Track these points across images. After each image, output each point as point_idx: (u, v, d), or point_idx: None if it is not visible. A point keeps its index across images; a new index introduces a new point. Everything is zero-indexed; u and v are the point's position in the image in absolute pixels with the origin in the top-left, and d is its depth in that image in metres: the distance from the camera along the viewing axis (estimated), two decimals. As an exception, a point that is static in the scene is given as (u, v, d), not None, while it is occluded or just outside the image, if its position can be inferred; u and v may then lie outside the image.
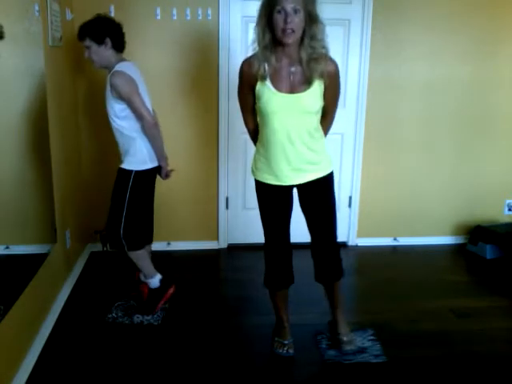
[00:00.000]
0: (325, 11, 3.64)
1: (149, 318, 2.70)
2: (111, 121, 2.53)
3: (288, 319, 2.53)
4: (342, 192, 3.83)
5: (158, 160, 2.57)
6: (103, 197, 3.56)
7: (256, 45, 2.07)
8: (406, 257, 3.77)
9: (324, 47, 2.06)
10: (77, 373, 2.25)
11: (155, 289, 2.76)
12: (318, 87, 2.09)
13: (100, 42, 2.44)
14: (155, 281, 2.76)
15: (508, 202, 4.02)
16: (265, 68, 2.07)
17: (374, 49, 3.58)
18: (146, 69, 3.41)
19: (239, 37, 3.48)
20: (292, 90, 2.09)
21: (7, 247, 2.10)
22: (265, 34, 2.02)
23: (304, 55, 2.03)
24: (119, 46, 2.52)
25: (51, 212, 2.67)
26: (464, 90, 3.75)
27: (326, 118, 2.27)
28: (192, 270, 3.41)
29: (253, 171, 2.34)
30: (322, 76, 2.07)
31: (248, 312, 2.84)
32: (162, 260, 3.28)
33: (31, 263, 2.39)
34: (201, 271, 3.42)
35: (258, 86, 2.11)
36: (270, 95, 2.09)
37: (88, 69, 3.23)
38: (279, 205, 2.31)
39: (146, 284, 2.79)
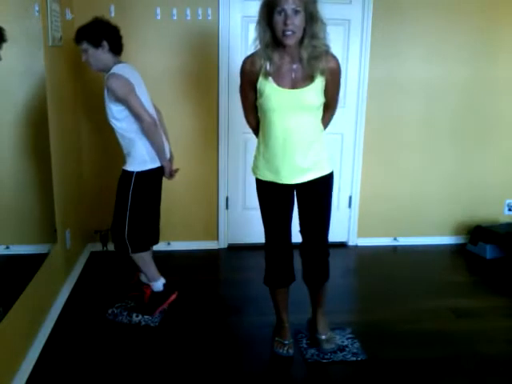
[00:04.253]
0: (325, 11, 3.64)
1: (147, 318, 2.68)
2: (110, 123, 2.53)
3: (288, 319, 2.53)
4: (342, 192, 3.83)
5: (160, 160, 2.56)
6: (103, 197, 3.57)
7: (257, 43, 2.09)
8: (406, 257, 3.77)
9: (325, 45, 2.07)
10: (76, 373, 2.25)
11: (158, 292, 2.74)
12: (319, 83, 2.12)
13: (97, 44, 2.42)
14: (159, 284, 2.73)
15: (508, 201, 4.02)
16: (267, 66, 2.09)
17: (374, 49, 3.58)
18: (146, 69, 3.42)
19: (239, 37, 3.48)
20: (294, 85, 2.12)
21: (7, 247, 2.10)
22: (266, 34, 2.04)
23: (305, 54, 2.05)
24: (116, 48, 2.50)
25: (51, 212, 2.67)
26: (464, 90, 3.75)
27: (327, 113, 2.28)
28: (192, 270, 3.41)
29: (253, 170, 2.35)
30: (323, 73, 2.10)
31: (248, 312, 2.84)
32: (162, 260, 3.26)
33: (31, 263, 2.38)
34: (201, 271, 3.42)
35: (260, 82, 2.13)
36: (271, 91, 2.11)
37: (88, 69, 3.22)
38: (279, 203, 2.31)
39: (149, 286, 2.77)
